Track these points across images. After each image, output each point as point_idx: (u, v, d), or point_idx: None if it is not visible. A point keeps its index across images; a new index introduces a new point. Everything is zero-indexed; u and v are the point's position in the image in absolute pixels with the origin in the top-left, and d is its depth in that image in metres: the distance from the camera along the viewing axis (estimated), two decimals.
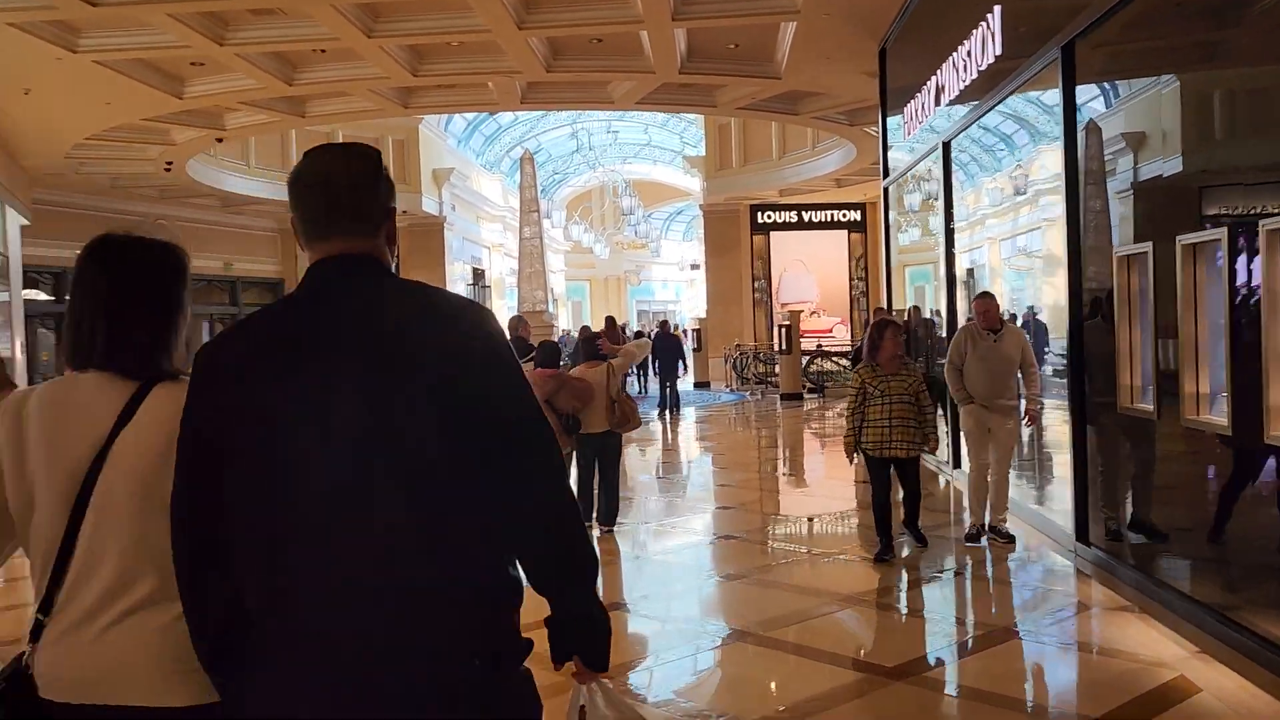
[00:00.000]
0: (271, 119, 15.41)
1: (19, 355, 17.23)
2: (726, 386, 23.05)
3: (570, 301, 44.48)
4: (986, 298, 7.17)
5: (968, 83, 8.34)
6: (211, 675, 1.67)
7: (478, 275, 31.70)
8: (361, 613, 1.53)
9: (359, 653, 1.52)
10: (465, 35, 11.39)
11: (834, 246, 24.10)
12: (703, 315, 26.28)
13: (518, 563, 1.67)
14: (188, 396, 1.67)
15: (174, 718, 1.72)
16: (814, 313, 23.99)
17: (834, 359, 21.82)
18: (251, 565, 1.58)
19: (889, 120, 11.97)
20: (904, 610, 5.96)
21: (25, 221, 17.86)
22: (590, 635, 1.72)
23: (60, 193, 19.39)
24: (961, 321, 8.99)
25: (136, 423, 1.77)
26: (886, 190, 12.40)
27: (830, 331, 23.62)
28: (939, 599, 6.22)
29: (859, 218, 23.83)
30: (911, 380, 6.69)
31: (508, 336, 1.86)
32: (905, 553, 6.85)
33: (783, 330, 19.53)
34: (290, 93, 13.43)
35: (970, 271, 10.60)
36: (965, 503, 7.50)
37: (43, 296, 20.33)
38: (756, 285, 24.82)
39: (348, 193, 1.69)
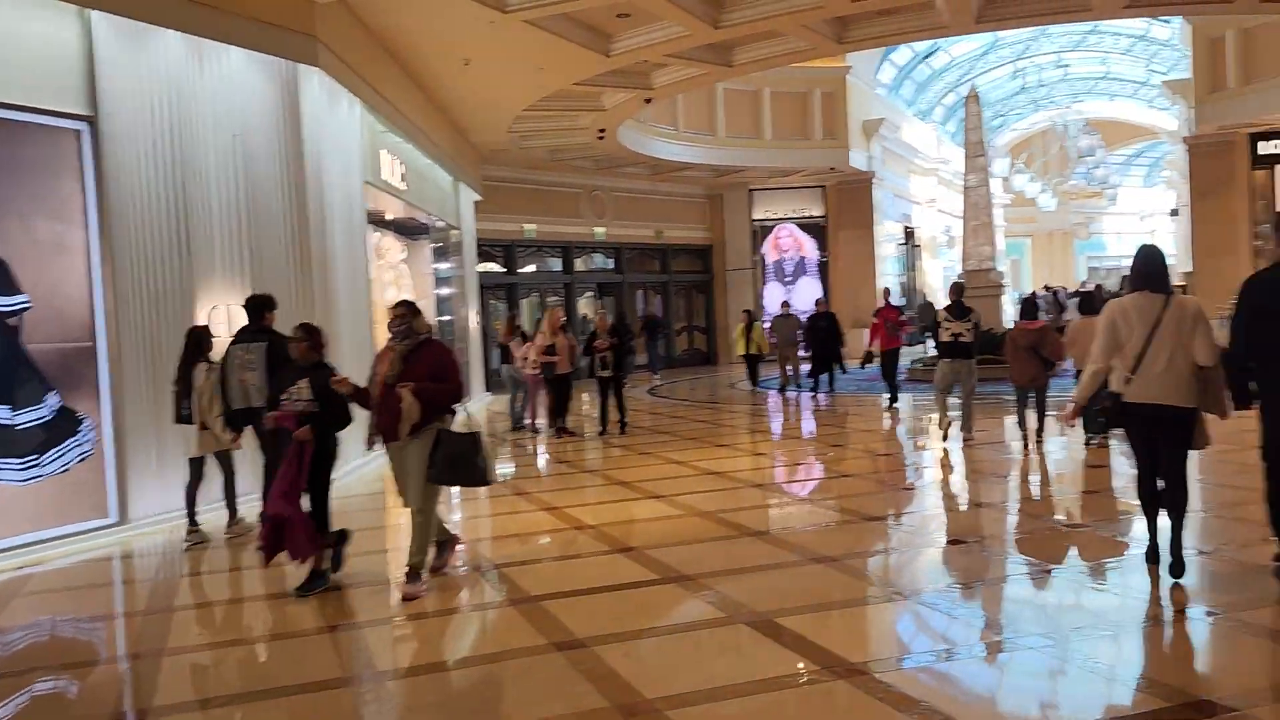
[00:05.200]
0: (699, 71, 14.63)
1: (473, 323, 18.16)
2: None
3: (1008, 260, 40.58)
4: None
5: None
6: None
7: (908, 235, 29.49)
8: None
9: None
10: None
11: None
12: (1187, 270, 22.16)
13: None
14: (1242, 290, 4.92)
15: (1185, 414, 4.90)
16: None
17: None
18: (1262, 355, 4.80)
19: None
20: None
21: (477, 197, 18.79)
22: None
23: (505, 168, 20.27)
24: None
25: (1168, 307, 4.91)
26: None
27: None
28: None
29: None
30: None
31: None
32: None
33: None
34: (717, 37, 12.44)
35: None
36: None
37: (495, 269, 21.47)
38: (1258, 231, 20.49)
39: None
